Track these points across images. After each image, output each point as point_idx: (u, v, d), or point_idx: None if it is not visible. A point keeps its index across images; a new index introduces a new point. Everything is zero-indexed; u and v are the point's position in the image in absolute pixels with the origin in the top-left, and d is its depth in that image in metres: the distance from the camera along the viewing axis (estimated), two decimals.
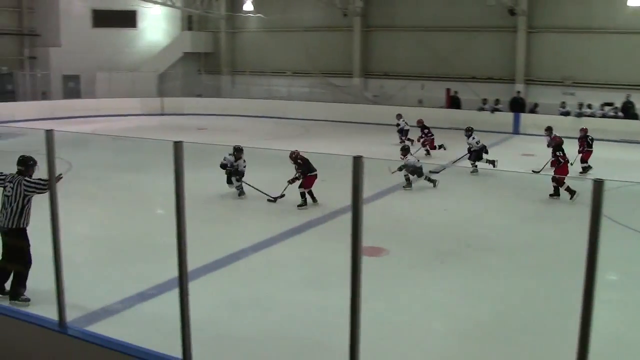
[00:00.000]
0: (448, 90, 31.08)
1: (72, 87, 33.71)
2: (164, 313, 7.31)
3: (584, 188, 13.98)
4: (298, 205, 13.20)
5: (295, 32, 34.23)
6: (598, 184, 3.26)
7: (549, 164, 16.02)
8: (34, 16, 35.16)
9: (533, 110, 28.98)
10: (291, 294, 8.60)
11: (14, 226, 7.87)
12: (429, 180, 15.41)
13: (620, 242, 11.00)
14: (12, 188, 7.89)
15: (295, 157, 13.41)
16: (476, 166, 17.71)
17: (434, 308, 8.44)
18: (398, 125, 23.62)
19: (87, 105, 31.30)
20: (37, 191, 7.81)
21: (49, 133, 5.28)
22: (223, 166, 14.38)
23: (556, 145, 15.42)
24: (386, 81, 32.83)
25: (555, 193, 14.67)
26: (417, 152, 19.28)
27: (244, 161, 14.48)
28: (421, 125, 21.55)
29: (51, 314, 5.84)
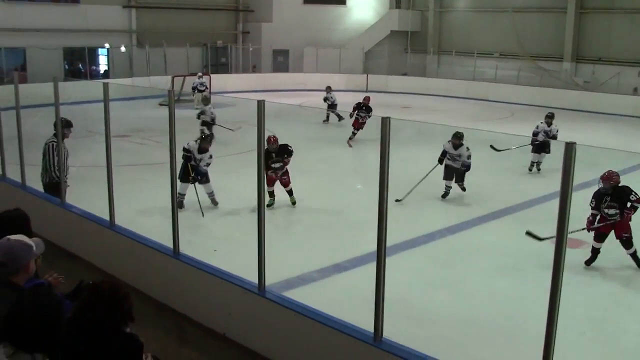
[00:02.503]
0: None
1: (281, 62, 35.15)
2: (357, 286, 7.44)
3: None
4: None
5: (504, 12, 33.05)
6: None
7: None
8: None
9: None
10: (485, 279, 8.40)
11: None
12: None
13: None
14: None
15: None
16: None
17: (630, 310, 7.90)
18: (326, 99, 22.53)
19: (294, 79, 32.48)
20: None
21: (260, 103, 5.49)
22: (185, 153, 10.83)
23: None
24: (598, 67, 30.80)
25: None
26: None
27: (210, 157, 11.22)
28: (364, 104, 18.63)
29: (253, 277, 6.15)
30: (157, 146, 15.19)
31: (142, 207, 10.82)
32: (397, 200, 11.28)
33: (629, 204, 8.64)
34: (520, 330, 6.89)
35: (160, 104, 22.76)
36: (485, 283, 8.30)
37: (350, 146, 17.51)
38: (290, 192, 11.46)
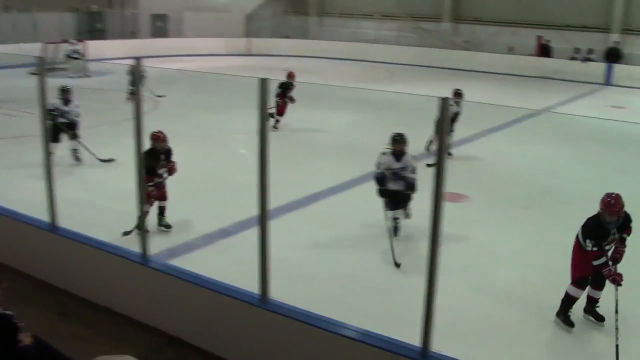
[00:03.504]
0: (539, 37, 29.98)
1: (160, 27, 34.13)
2: (243, 250, 7.44)
3: None
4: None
5: None
6: None
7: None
8: None
9: None
10: (365, 238, 8.56)
11: None
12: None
13: None
14: None
15: None
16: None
17: (507, 255, 8.28)
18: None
19: (174, 44, 31.60)
20: None
21: (136, 62, 5.30)
22: (50, 113, 9.68)
23: None
24: (477, 27, 31.84)
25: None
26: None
27: (77, 105, 11.39)
28: (289, 83, 15.20)
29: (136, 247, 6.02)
30: (31, 117, 14.47)
31: (15, 181, 10.32)
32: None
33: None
34: (399, 283, 7.10)
35: (32, 73, 21.64)
36: (364, 240, 8.45)
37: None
38: (163, 211, 8.44)
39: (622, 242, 6.16)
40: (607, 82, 27.46)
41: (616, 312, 5.71)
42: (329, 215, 9.51)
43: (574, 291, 6.25)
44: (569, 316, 6.30)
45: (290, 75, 15.31)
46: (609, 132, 16.86)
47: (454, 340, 5.43)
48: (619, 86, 26.35)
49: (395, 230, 8.35)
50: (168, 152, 8.14)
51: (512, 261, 8.06)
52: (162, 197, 8.29)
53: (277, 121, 14.99)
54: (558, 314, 6.38)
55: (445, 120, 3.87)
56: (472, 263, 7.84)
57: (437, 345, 4.45)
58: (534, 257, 8.18)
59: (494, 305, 6.83)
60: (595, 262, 5.96)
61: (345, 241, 8.42)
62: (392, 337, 4.66)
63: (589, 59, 28.25)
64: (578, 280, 6.23)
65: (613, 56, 27.94)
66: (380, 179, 8.21)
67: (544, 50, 29.88)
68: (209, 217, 8.93)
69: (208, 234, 8.20)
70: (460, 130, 12.54)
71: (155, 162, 7.93)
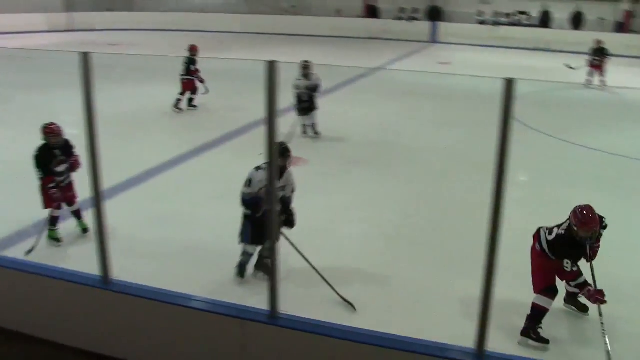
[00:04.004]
0: None
1: None
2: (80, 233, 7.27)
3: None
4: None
5: None
6: (509, 83, 3.30)
7: None
8: None
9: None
10: (205, 208, 8.55)
11: None
12: None
13: (531, 145, 11.42)
14: None
15: None
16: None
17: (346, 212, 8.58)
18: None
19: None
20: None
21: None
22: None
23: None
24: None
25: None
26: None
27: None
28: (191, 58, 14.10)
29: None
30: None
31: None
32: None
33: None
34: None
35: None
36: (205, 210, 8.44)
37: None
38: (78, 214, 7.48)
39: (597, 240, 5.35)
40: (433, 39, 28.82)
41: (600, 314, 5.07)
42: (167, 189, 9.38)
43: (544, 301, 5.28)
44: (540, 332, 5.32)
45: (193, 49, 14.17)
46: (436, 87, 17.77)
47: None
48: (444, 43, 27.77)
49: (261, 267, 6.45)
50: (66, 146, 7.16)
51: (352, 217, 8.37)
52: (71, 200, 7.33)
53: (191, 99, 14.25)
54: (526, 333, 5.35)
55: (272, 86, 3.91)
56: (314, 225, 8.06)
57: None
58: (374, 211, 8.55)
59: (342, 258, 7.06)
60: (573, 284, 5.33)
61: (184, 215, 8.35)
62: (242, 305, 4.72)
63: (414, 18, 29.48)
64: (547, 289, 5.31)
65: (434, 14, 29.34)
66: (253, 203, 6.07)
67: (371, 11, 30.80)
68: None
69: (41, 221, 7.83)
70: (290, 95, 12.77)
71: (50, 160, 7.07)
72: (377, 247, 7.50)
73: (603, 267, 5.44)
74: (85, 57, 4.40)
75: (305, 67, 11.75)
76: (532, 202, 8.86)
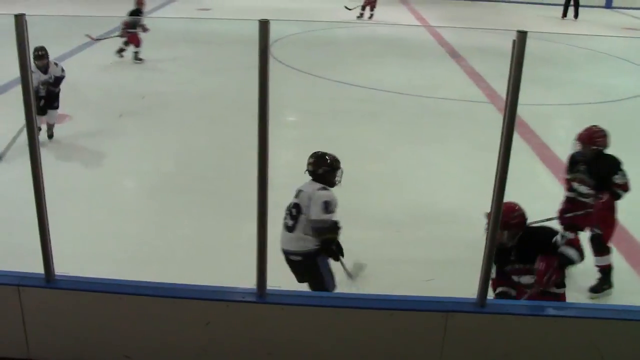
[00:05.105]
0: None
1: None
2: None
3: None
4: None
5: None
6: (263, 24, 3.36)
7: None
8: None
9: None
10: None
11: None
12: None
13: (293, 85, 11.80)
14: None
15: None
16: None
17: (120, 167, 8.45)
18: None
19: None
20: None
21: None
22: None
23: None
24: None
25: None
26: None
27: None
28: (137, 10, 14.00)
29: None
30: None
31: None
32: None
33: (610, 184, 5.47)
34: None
35: None
36: None
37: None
38: None
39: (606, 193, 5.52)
40: None
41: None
42: None
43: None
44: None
45: (139, 2, 13.80)
46: (197, 34, 17.51)
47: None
48: None
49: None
50: None
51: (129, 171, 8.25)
52: None
53: (136, 53, 13.84)
54: (601, 289, 5.69)
55: (23, 41, 3.60)
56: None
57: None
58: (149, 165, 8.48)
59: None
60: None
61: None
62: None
63: None
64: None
65: None
66: (333, 228, 5.01)
67: None
68: None
69: None
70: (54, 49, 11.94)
71: None
72: (157, 200, 7.43)
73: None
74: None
75: (39, 57, 8.60)
76: (302, 140, 9.20)
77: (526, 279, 4.58)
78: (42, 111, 8.73)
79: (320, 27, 18.70)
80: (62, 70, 8.96)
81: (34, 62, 8.25)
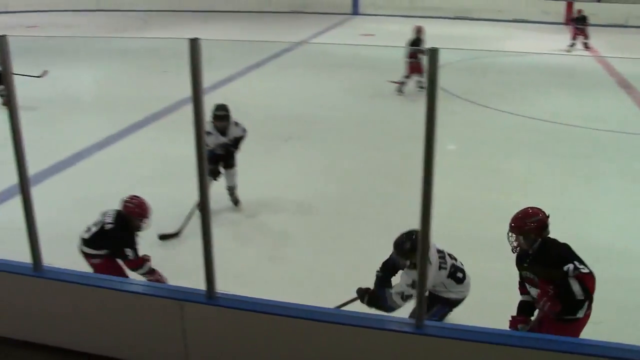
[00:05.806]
0: None
1: None
2: (11, 220, 7.01)
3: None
4: None
5: None
6: (433, 52, 3.34)
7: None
8: None
9: None
10: (136, 189, 8.40)
11: None
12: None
13: (452, 112, 11.64)
14: None
15: None
16: None
17: (282, 186, 8.64)
18: None
19: None
20: None
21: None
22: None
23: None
24: None
25: None
26: None
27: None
28: None
29: None
30: None
31: None
32: None
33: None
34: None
35: None
36: (136, 192, 8.27)
37: None
38: None
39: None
40: (355, 12, 28.91)
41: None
42: (96, 172, 9.19)
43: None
44: None
45: (419, 30, 13.61)
46: (361, 58, 17.81)
47: None
48: (366, 15, 27.81)
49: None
50: None
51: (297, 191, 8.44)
52: None
53: (420, 81, 13.58)
54: None
55: (196, 64, 3.82)
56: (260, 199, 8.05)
57: None
58: (309, 184, 8.66)
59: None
60: None
61: (114, 198, 8.18)
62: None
63: None
64: None
65: None
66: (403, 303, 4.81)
67: None
68: None
69: None
70: (216, 73, 12.50)
71: None
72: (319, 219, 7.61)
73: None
74: (3, 40, 4.22)
75: (219, 119, 7.53)
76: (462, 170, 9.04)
77: (534, 292, 4.37)
78: (215, 173, 7.64)
79: (483, 55, 18.40)
80: (244, 130, 7.74)
81: (212, 122, 7.45)
